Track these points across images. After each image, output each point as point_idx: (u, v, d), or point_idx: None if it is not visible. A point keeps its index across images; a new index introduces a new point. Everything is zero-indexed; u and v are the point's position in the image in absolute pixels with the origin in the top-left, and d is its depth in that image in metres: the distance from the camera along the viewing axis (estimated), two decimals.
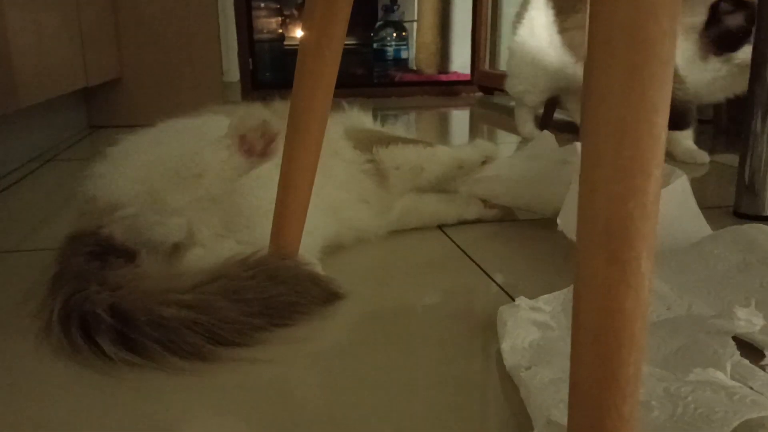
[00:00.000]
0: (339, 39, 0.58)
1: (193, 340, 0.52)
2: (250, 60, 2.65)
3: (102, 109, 1.92)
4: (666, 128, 0.30)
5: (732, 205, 0.96)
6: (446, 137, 1.86)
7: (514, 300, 0.60)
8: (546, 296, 0.60)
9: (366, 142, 0.87)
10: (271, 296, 0.58)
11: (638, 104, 0.29)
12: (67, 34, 1.43)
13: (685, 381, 0.45)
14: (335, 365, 0.54)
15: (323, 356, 0.55)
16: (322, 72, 0.58)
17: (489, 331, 0.59)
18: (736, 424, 0.40)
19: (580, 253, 0.30)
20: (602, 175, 0.29)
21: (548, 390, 0.44)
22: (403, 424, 0.45)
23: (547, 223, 0.89)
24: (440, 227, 0.90)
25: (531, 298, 0.59)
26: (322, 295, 0.63)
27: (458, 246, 0.83)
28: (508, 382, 0.50)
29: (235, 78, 2.66)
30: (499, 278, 0.72)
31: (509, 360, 0.51)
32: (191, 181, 0.66)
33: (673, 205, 0.76)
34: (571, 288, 0.58)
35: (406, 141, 0.90)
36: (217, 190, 0.66)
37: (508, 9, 2.86)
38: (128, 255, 0.62)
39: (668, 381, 0.45)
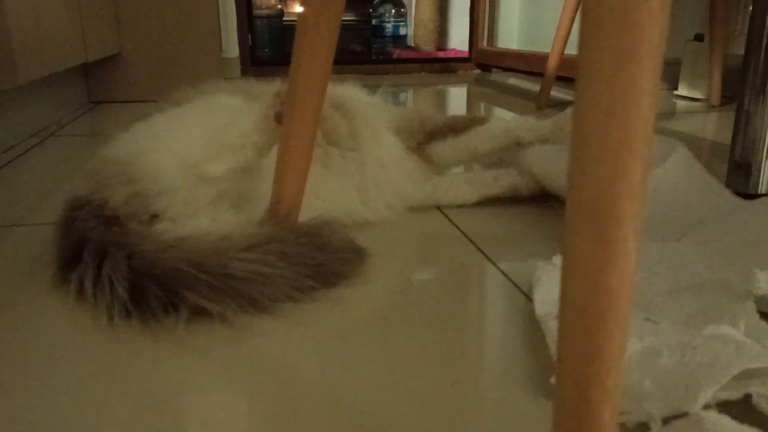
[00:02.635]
0: (337, 15, 0.57)
1: (261, 292, 0.55)
2: (249, 36, 2.63)
3: (101, 85, 1.91)
4: (655, 110, 0.30)
5: (723, 183, 0.96)
6: (444, 114, 1.85)
7: (518, 286, 0.61)
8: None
9: (409, 131, 0.88)
10: (320, 263, 0.60)
11: (627, 86, 0.29)
12: (66, 9, 1.41)
13: (699, 334, 0.47)
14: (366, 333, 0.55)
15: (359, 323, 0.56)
16: (320, 48, 0.58)
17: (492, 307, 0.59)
18: (735, 372, 0.42)
19: (568, 233, 0.31)
20: (591, 156, 0.30)
21: None
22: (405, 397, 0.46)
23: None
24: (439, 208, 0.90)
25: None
26: (359, 259, 0.66)
27: (456, 225, 0.84)
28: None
29: (234, 54, 2.64)
30: (502, 262, 0.73)
31: (539, 310, 0.54)
32: (233, 151, 0.66)
33: (680, 176, 0.76)
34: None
35: (454, 125, 0.90)
36: (253, 162, 0.67)
37: None
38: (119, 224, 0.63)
39: (682, 334, 0.46)
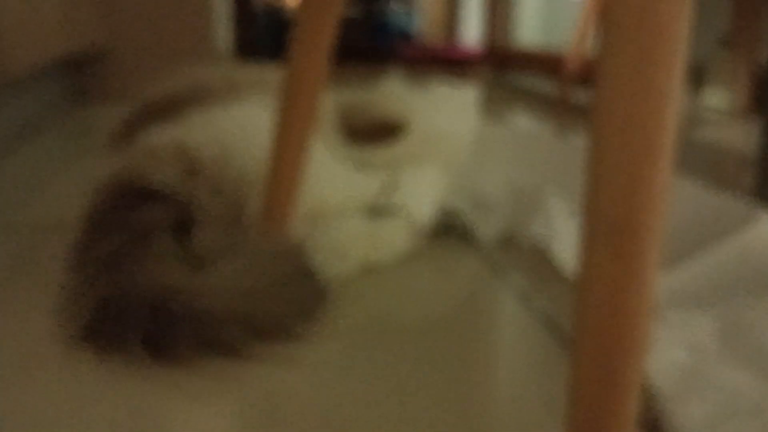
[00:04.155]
0: (336, 8, 0.57)
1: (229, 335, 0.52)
2: (248, 30, 2.64)
3: (90, 81, 1.92)
4: (676, 117, 0.30)
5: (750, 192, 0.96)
6: None
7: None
8: (702, 314, 0.55)
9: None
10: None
11: (647, 91, 0.29)
12: (55, 3, 1.42)
13: None
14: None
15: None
16: (317, 42, 0.58)
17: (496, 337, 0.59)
18: None
19: (584, 247, 0.30)
20: (608, 165, 0.29)
21: (703, 430, 0.41)
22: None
23: None
24: None
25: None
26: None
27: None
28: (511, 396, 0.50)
29: (228, 47, 2.65)
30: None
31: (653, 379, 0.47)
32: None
33: None
34: (733, 308, 0.55)
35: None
36: None
37: None
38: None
39: None
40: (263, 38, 2.99)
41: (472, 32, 3.02)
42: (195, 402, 0.48)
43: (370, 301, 0.65)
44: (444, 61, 2.92)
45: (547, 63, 2.14)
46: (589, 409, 0.31)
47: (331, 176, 0.74)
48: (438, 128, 0.84)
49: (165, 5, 1.92)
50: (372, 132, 0.84)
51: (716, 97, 1.90)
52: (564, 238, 0.72)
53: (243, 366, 0.52)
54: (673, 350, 0.50)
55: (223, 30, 2.62)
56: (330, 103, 0.89)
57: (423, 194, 0.78)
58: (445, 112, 0.89)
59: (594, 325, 0.30)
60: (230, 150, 0.66)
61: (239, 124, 0.69)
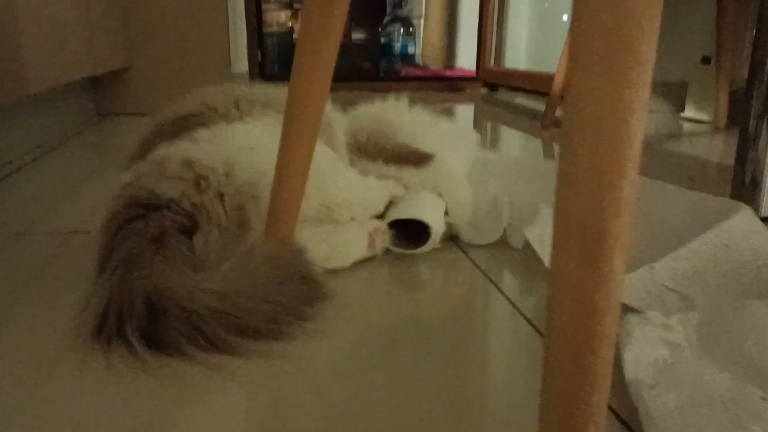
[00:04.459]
0: (336, 33, 0.58)
1: (218, 332, 0.53)
2: (259, 52, 2.65)
3: (110, 98, 1.93)
4: (643, 128, 0.30)
5: None
6: None
7: (524, 315, 0.61)
8: (680, 316, 0.56)
9: (355, 145, 0.88)
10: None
11: (615, 104, 0.29)
12: (77, 23, 1.43)
13: None
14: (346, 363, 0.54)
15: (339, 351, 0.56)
16: (319, 65, 0.58)
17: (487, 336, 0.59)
18: None
19: (555, 250, 0.31)
20: (578, 173, 0.30)
21: (673, 418, 0.42)
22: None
23: None
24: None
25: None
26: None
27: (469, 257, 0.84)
28: (506, 399, 0.50)
29: (243, 69, 2.67)
30: (505, 288, 0.73)
31: (630, 373, 0.48)
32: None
33: (751, 236, 0.71)
34: (709, 310, 0.56)
35: (396, 153, 0.88)
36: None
37: (515, 7, 2.86)
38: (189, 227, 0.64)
39: None
40: (274, 59, 3.01)
41: (467, 55, 3.04)
42: (194, 396, 0.48)
43: (364, 300, 0.66)
44: (441, 81, 2.94)
45: (535, 82, 2.15)
46: (562, 400, 0.31)
47: (344, 178, 0.76)
48: (448, 165, 0.88)
49: (183, 28, 1.93)
50: (399, 156, 0.87)
51: (698, 112, 1.91)
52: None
53: (234, 361, 0.52)
54: (654, 347, 0.51)
55: (238, 52, 2.64)
56: (345, 119, 0.91)
57: (435, 207, 0.80)
58: (452, 148, 0.96)
59: (565, 322, 0.30)
60: (233, 163, 0.67)
61: (242, 140, 0.71)
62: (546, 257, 0.72)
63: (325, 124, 0.77)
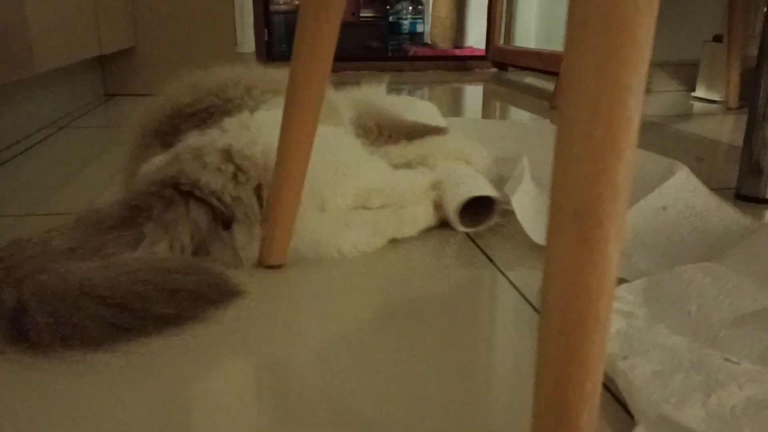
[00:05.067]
0: (337, 11, 0.57)
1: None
2: (266, 31, 2.64)
3: (117, 77, 1.93)
4: (640, 109, 0.29)
5: (735, 186, 0.95)
6: (460, 113, 1.85)
7: (524, 296, 0.61)
8: (626, 285, 0.58)
9: (365, 129, 0.87)
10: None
11: (612, 85, 0.29)
12: (83, 1, 1.43)
13: None
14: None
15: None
16: (320, 46, 0.58)
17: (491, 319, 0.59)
18: None
19: (550, 233, 0.30)
20: (573, 155, 0.29)
21: (654, 384, 0.43)
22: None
23: None
24: None
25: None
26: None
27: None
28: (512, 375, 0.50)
29: (250, 49, 2.65)
30: (509, 272, 0.73)
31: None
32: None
33: (689, 195, 0.74)
34: (651, 278, 0.58)
35: (411, 130, 0.89)
36: None
37: None
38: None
39: None
40: (282, 39, 2.99)
41: (476, 34, 3.01)
42: (105, 384, 0.49)
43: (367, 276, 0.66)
44: (450, 60, 2.91)
45: (545, 61, 2.12)
46: (555, 383, 0.31)
47: (374, 167, 0.77)
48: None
49: (190, 7, 1.92)
50: (418, 131, 0.89)
51: (709, 92, 1.88)
52: (530, 206, 0.76)
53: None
54: (613, 318, 0.52)
55: (244, 31, 2.63)
56: (348, 103, 0.91)
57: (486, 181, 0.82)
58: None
59: (558, 305, 0.30)
60: (271, 152, 0.66)
61: (273, 127, 0.69)
62: (527, 224, 0.73)
63: (330, 108, 0.77)
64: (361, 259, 0.71)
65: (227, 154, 0.67)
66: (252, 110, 0.72)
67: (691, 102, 1.87)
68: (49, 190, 0.96)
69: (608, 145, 0.29)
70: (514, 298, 0.62)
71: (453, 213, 0.77)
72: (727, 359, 0.46)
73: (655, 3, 0.29)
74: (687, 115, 1.67)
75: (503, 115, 1.76)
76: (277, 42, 2.88)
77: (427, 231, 0.79)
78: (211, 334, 0.54)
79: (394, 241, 0.76)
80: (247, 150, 0.67)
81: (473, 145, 0.91)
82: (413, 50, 3.12)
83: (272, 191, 0.64)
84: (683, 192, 0.75)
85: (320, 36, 0.57)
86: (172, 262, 0.58)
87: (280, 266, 0.68)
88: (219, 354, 0.52)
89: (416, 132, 0.89)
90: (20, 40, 1.08)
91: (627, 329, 0.51)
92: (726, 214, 0.74)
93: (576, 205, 0.29)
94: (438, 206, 0.79)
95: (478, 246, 0.75)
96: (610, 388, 0.46)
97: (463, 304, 0.61)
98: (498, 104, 1.97)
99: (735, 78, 1.73)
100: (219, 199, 0.65)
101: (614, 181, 0.29)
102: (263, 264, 0.67)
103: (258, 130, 0.69)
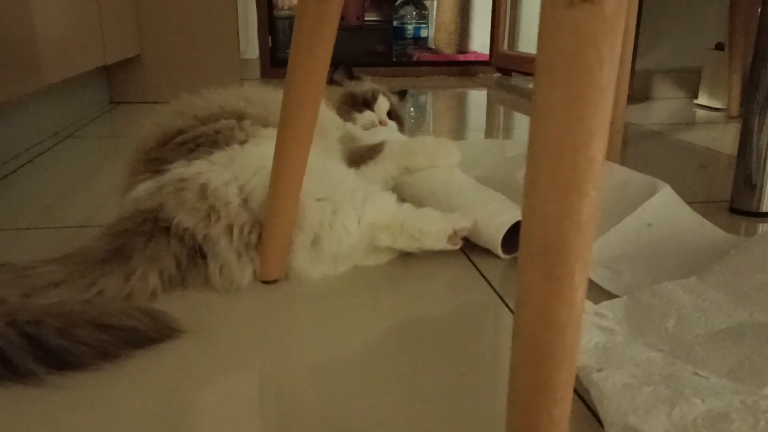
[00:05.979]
0: (330, 38, 0.59)
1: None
2: (270, 37, 2.66)
3: (123, 85, 1.96)
4: (603, 151, 0.31)
5: (728, 200, 0.96)
6: (463, 119, 1.87)
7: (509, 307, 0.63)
8: (608, 302, 0.61)
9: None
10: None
11: (576, 128, 0.30)
12: (87, 12, 1.45)
13: (761, 395, 0.45)
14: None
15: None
16: (313, 71, 0.60)
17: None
18: None
19: (521, 267, 0.32)
20: (541, 194, 0.31)
21: (624, 395, 0.45)
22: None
23: None
24: None
25: None
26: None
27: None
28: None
29: (254, 55, 2.68)
30: (494, 280, 0.74)
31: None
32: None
33: (672, 212, 0.76)
34: (632, 296, 0.62)
35: (357, 154, 0.90)
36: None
37: None
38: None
39: (743, 394, 0.45)
40: (287, 44, 3.01)
41: (481, 39, 3.02)
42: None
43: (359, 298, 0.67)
44: (454, 65, 2.93)
45: None
46: (526, 410, 0.32)
47: (382, 201, 0.75)
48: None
49: (193, 14, 1.95)
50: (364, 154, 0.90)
51: (712, 100, 1.89)
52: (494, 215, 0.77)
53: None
54: (591, 333, 0.56)
55: (248, 37, 2.65)
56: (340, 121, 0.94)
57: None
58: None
59: (528, 337, 0.32)
60: (252, 189, 0.69)
61: (259, 163, 0.71)
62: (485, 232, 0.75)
63: (322, 132, 0.77)
64: (357, 274, 0.73)
65: (204, 192, 0.68)
66: (242, 143, 0.74)
67: (694, 109, 1.88)
68: (49, 203, 0.98)
69: (573, 186, 0.31)
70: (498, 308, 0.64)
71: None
72: (696, 374, 0.49)
73: (617, 51, 0.31)
74: (689, 123, 1.68)
75: (507, 117, 1.77)
76: (281, 47, 2.90)
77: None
78: (204, 351, 0.56)
79: (392, 255, 0.77)
80: (224, 189, 0.68)
81: (445, 143, 0.91)
82: (417, 55, 3.13)
83: (268, 209, 0.66)
84: (667, 210, 0.76)
85: (313, 61, 0.59)
86: (118, 306, 0.60)
87: (275, 281, 0.70)
88: (214, 370, 0.53)
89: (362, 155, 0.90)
90: (29, 54, 1.10)
91: (605, 343, 0.54)
92: (708, 230, 0.76)
93: (544, 242, 0.31)
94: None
95: (474, 264, 0.77)
96: (584, 398, 0.48)
97: (462, 323, 0.63)
98: (502, 109, 1.98)
99: (736, 87, 1.74)
100: (192, 236, 0.67)
101: (579, 219, 0.31)
102: (261, 279, 0.69)
103: (243, 166, 0.71)
